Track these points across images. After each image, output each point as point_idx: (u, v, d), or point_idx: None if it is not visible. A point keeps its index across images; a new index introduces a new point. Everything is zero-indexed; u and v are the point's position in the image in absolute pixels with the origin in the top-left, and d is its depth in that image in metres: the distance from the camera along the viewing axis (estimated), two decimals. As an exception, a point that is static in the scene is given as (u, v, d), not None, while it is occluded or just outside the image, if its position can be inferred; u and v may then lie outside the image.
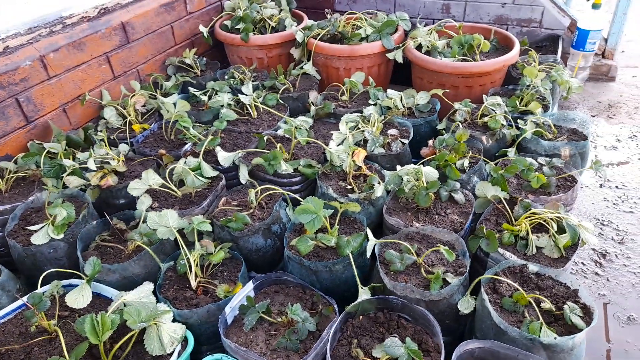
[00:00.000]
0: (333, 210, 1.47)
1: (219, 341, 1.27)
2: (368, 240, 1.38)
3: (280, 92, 2.30)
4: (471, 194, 1.60)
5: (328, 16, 2.67)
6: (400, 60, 2.42)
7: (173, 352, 1.18)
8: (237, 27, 2.68)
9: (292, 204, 1.66)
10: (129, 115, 2.12)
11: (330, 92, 2.36)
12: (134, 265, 1.42)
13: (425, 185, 1.56)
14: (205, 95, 2.29)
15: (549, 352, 1.07)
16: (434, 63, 2.24)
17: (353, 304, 1.23)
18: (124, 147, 1.93)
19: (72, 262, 1.53)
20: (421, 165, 1.63)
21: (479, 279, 1.24)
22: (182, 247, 1.40)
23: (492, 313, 1.13)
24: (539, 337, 1.06)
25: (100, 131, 2.03)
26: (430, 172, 1.60)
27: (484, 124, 1.96)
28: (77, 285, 1.34)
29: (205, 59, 2.67)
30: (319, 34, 2.53)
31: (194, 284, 1.38)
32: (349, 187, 1.68)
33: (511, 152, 1.81)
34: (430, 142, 1.84)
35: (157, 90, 2.37)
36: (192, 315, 1.28)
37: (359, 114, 2.02)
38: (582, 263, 1.68)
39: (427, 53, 2.36)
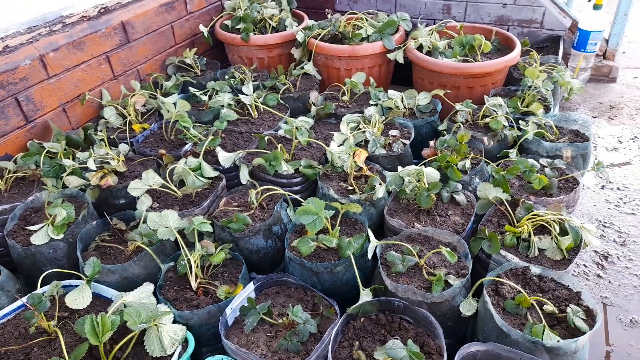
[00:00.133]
0: (334, 211, 1.46)
1: (220, 342, 1.27)
2: (369, 241, 1.38)
3: (280, 92, 2.29)
4: (473, 195, 1.60)
5: (329, 16, 2.66)
6: (401, 60, 2.41)
7: (173, 353, 1.17)
8: (238, 27, 2.67)
9: (293, 205, 1.65)
10: (129, 115, 2.11)
11: (331, 92, 2.35)
12: (134, 266, 1.41)
13: (426, 186, 1.55)
14: (206, 95, 2.29)
15: (552, 355, 1.07)
16: (435, 63, 2.23)
17: (354, 305, 1.23)
18: (124, 147, 1.92)
19: (72, 262, 1.53)
20: (422, 166, 1.63)
21: (481, 281, 1.23)
22: (183, 248, 1.39)
23: (494, 315, 1.12)
24: (542, 340, 1.05)
25: (100, 131, 2.02)
26: (431, 173, 1.59)
27: (485, 125, 1.96)
28: (77, 286, 1.33)
29: (205, 58, 2.66)
30: (319, 34, 2.52)
31: (194, 284, 1.38)
32: (350, 188, 1.67)
33: (513, 153, 1.80)
34: (431, 143, 1.84)
35: (157, 90, 2.36)
36: (192, 316, 1.27)
37: (360, 115, 2.02)
38: (584, 265, 1.67)
39: (428, 53, 2.35)
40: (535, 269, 1.25)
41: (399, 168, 1.67)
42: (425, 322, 1.19)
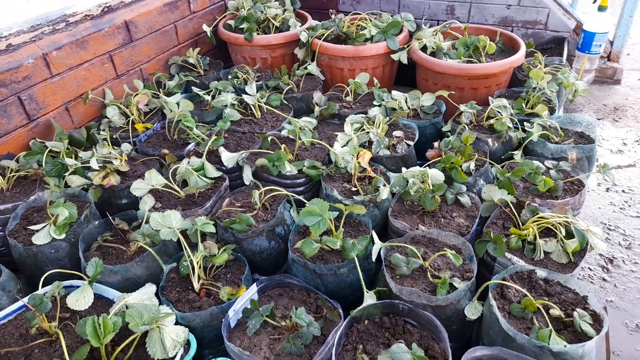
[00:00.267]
0: (338, 213, 1.45)
1: (222, 345, 1.25)
2: (373, 243, 1.37)
3: (284, 92, 2.28)
4: (477, 197, 1.59)
5: (332, 16, 2.65)
6: (405, 61, 2.40)
7: (175, 355, 1.16)
8: (241, 26, 2.66)
9: (296, 206, 1.64)
10: (132, 114, 2.11)
11: (334, 92, 2.34)
12: (136, 267, 1.40)
13: (431, 188, 1.54)
14: (209, 95, 2.28)
15: None
16: (439, 64, 2.22)
17: (358, 308, 1.22)
18: (126, 147, 1.91)
19: (74, 262, 1.52)
20: (427, 168, 1.61)
21: (486, 284, 1.22)
22: (185, 249, 1.38)
23: (500, 319, 1.11)
24: (549, 344, 1.04)
25: (103, 130, 2.02)
26: (436, 175, 1.58)
27: (489, 127, 1.94)
28: (78, 287, 1.32)
29: (208, 58, 2.65)
30: (323, 34, 2.51)
31: (196, 286, 1.37)
32: (353, 189, 1.66)
33: (517, 155, 1.79)
34: (435, 144, 1.82)
35: (160, 89, 2.35)
36: (195, 318, 1.26)
37: (364, 115, 2.01)
38: (589, 268, 1.66)
39: (432, 54, 2.34)
40: (541, 272, 1.24)
41: (403, 169, 1.66)
42: (429, 326, 1.18)
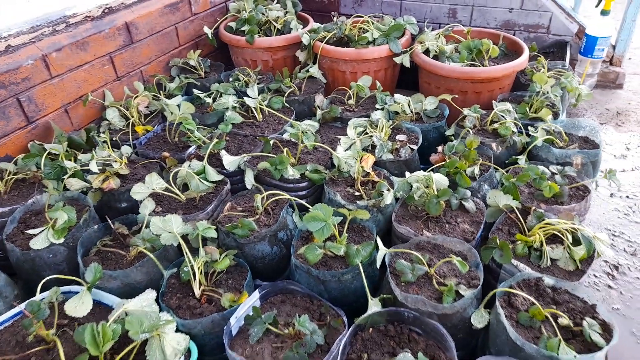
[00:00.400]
0: (342, 218, 1.43)
1: (224, 352, 1.23)
2: (378, 249, 1.34)
3: (286, 95, 2.26)
4: (482, 203, 1.57)
5: (334, 19, 2.64)
6: (407, 64, 2.38)
7: (176, 363, 1.14)
8: (242, 28, 2.64)
9: (299, 210, 1.62)
10: (132, 116, 2.08)
11: (336, 95, 2.33)
12: (136, 272, 1.38)
13: (436, 193, 1.52)
14: (210, 97, 2.26)
15: (567, 369, 1.03)
16: (442, 68, 2.21)
17: (363, 316, 1.19)
18: (126, 149, 1.89)
19: (72, 266, 1.49)
20: (431, 172, 1.60)
21: (493, 292, 1.20)
22: (186, 254, 1.36)
23: (508, 328, 1.09)
24: (558, 354, 1.02)
25: (103, 132, 1.99)
26: (440, 180, 1.56)
27: (493, 131, 1.93)
28: (76, 292, 1.30)
29: (209, 60, 2.63)
30: (325, 37, 2.50)
31: (197, 292, 1.34)
32: (357, 193, 1.64)
33: (522, 160, 1.77)
34: (439, 148, 1.81)
35: (161, 91, 2.33)
36: (196, 325, 1.24)
37: (366, 119, 1.99)
38: (594, 275, 1.64)
39: (435, 58, 2.33)
40: (548, 280, 1.22)
41: (407, 174, 1.64)
42: (435, 334, 1.16)
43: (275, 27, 2.68)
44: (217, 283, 1.40)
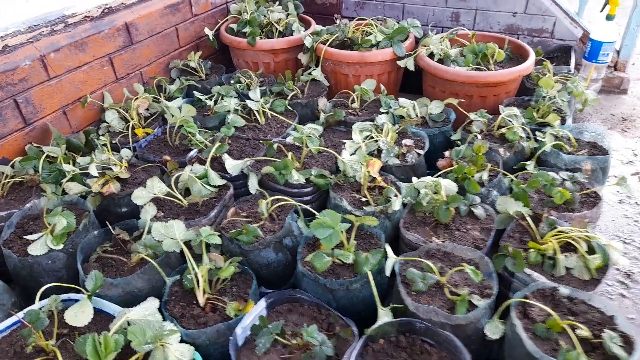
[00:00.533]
0: (350, 225, 1.39)
1: (229, 364, 1.19)
2: (387, 257, 1.31)
3: (288, 98, 2.23)
4: (492, 209, 1.54)
5: (337, 21, 2.61)
6: (412, 68, 2.36)
7: (180, 376, 1.10)
8: (244, 30, 2.61)
9: (304, 216, 1.58)
10: (132, 119, 2.04)
11: (339, 99, 2.29)
12: (138, 280, 1.33)
13: (445, 199, 1.49)
14: (211, 99, 2.22)
15: (587, 383, 1.00)
16: (447, 72, 2.18)
17: (374, 327, 1.16)
18: (126, 153, 1.84)
19: (71, 273, 1.45)
20: (439, 178, 1.56)
21: (508, 302, 1.17)
22: (190, 261, 1.32)
23: (525, 341, 1.05)
24: (577, 367, 0.99)
25: (102, 135, 1.95)
26: (449, 186, 1.53)
27: (500, 136, 1.90)
28: (76, 300, 1.25)
29: (210, 62, 2.59)
30: (328, 40, 2.47)
31: (202, 300, 1.30)
32: (363, 199, 1.60)
33: (530, 166, 1.74)
34: (446, 153, 1.77)
35: (161, 93, 2.29)
36: (200, 335, 1.20)
37: (371, 123, 1.95)
38: (606, 284, 1.61)
39: (440, 61, 2.30)
40: (564, 290, 1.19)
41: (414, 179, 1.61)
42: (449, 346, 1.12)
43: (277, 29, 2.65)
44: (221, 291, 1.36)
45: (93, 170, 1.65)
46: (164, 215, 1.57)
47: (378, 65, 2.39)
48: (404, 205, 1.59)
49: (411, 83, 2.62)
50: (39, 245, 1.38)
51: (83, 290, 1.24)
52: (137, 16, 2.29)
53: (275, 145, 1.82)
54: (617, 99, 2.72)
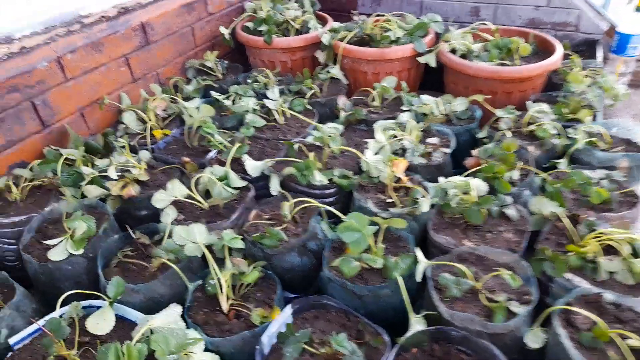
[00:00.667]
0: (377, 228, 1.34)
1: (255, 373, 1.15)
2: (417, 261, 1.25)
3: (307, 97, 2.18)
4: (525, 210, 1.47)
5: (355, 18, 2.55)
6: (433, 64, 2.29)
7: (206, 387, 1.06)
8: (260, 28, 2.56)
9: (327, 218, 1.53)
10: (150, 120, 2.01)
11: (359, 97, 2.24)
12: (160, 285, 1.30)
13: (476, 199, 1.43)
14: (228, 99, 2.18)
15: (639, 397, 0.94)
16: (471, 67, 2.11)
17: (407, 335, 1.10)
18: (145, 154, 1.81)
19: (92, 278, 1.41)
20: (469, 178, 1.50)
21: (550, 309, 1.10)
22: (212, 266, 1.28)
23: (570, 351, 0.99)
24: (630, 380, 0.93)
25: (121, 137, 1.92)
26: (480, 186, 1.47)
27: (529, 133, 1.83)
28: (98, 307, 1.22)
29: (226, 62, 2.56)
30: (345, 37, 2.41)
31: (225, 306, 1.26)
32: (389, 200, 1.55)
33: (562, 164, 1.67)
34: (474, 152, 1.71)
35: (178, 94, 2.25)
36: (225, 343, 1.15)
37: (393, 121, 1.90)
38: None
39: (462, 57, 2.23)
40: (609, 296, 1.12)
41: (441, 179, 1.55)
42: (487, 355, 1.06)
43: (293, 27, 2.60)
44: (245, 296, 1.32)
45: (112, 173, 1.62)
46: (184, 218, 1.53)
47: (398, 62, 2.33)
48: (431, 206, 1.53)
49: (431, 80, 2.56)
50: (59, 251, 1.35)
51: (104, 297, 1.21)
52: (153, 15, 2.26)
53: (295, 146, 1.77)
54: (646, 94, 2.62)
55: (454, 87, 2.28)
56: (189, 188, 1.56)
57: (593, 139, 1.72)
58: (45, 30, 1.89)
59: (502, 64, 2.16)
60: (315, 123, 1.97)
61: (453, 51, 2.27)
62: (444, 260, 1.27)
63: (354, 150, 1.72)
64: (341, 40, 2.40)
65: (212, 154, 1.83)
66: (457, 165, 1.81)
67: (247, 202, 1.58)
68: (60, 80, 1.88)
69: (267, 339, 1.16)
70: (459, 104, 1.98)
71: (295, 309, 1.24)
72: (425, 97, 2.02)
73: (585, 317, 1.07)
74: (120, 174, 1.66)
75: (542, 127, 1.75)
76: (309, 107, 2.14)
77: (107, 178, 1.63)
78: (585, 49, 2.66)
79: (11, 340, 1.17)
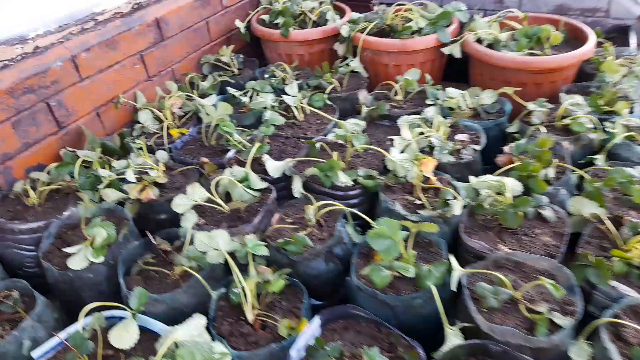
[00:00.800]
0: (407, 233, 1.27)
1: (283, 387, 1.10)
2: (451, 269, 1.19)
3: (327, 91, 2.10)
4: (563, 211, 1.39)
5: (374, 8, 2.46)
6: (458, 55, 2.20)
7: (234, 404, 1.01)
8: (276, 21, 2.49)
9: (352, 220, 1.47)
10: (166, 119, 1.96)
11: (381, 91, 2.16)
12: (184, 295, 1.25)
13: (511, 200, 1.35)
14: (246, 95, 2.12)
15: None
16: (499, 58, 2.02)
17: (445, 350, 1.04)
18: (162, 155, 1.76)
19: (113, 285, 1.37)
20: (502, 177, 1.42)
21: (597, 322, 1.03)
22: (236, 274, 1.23)
23: (624, 369, 0.92)
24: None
25: (137, 137, 1.87)
26: (514, 185, 1.39)
27: (563, 127, 1.73)
28: (120, 317, 1.19)
29: (242, 56, 2.49)
30: (365, 28, 2.32)
31: (251, 317, 1.21)
32: (417, 202, 1.48)
33: (600, 160, 1.58)
34: (506, 148, 1.63)
35: (194, 91, 2.20)
36: (252, 357, 1.11)
37: (418, 116, 1.82)
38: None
39: (489, 47, 2.13)
40: (661, 308, 1.04)
41: (471, 178, 1.48)
42: (530, 372, 1.00)
43: (310, 18, 2.52)
44: (270, 305, 1.27)
45: (130, 177, 1.58)
46: (205, 222, 1.48)
47: (421, 53, 2.24)
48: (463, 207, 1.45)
49: (454, 71, 2.46)
50: (79, 259, 1.32)
51: (126, 308, 1.17)
52: (168, 11, 2.20)
53: (317, 144, 1.71)
54: (683, 82, 2.49)
55: (480, 78, 2.18)
56: (209, 191, 1.51)
57: (632, 133, 1.62)
58: (59, 29, 1.85)
59: (531, 54, 2.06)
60: (336, 119, 1.90)
61: (479, 41, 2.17)
62: (480, 268, 1.21)
63: (379, 149, 1.64)
64: (361, 31, 2.32)
65: (230, 153, 1.78)
66: (486, 162, 1.73)
67: (269, 205, 1.52)
68: (75, 80, 1.84)
69: (296, 353, 1.11)
70: (487, 97, 1.89)
71: (323, 320, 1.19)
72: (451, 90, 1.93)
73: (636, 330, 1.00)
74: (138, 176, 1.61)
75: (577, 120, 1.66)
76: (328, 102, 2.07)
77: (125, 181, 1.59)
78: (616, 35, 2.52)
79: (34, 354, 1.14)
